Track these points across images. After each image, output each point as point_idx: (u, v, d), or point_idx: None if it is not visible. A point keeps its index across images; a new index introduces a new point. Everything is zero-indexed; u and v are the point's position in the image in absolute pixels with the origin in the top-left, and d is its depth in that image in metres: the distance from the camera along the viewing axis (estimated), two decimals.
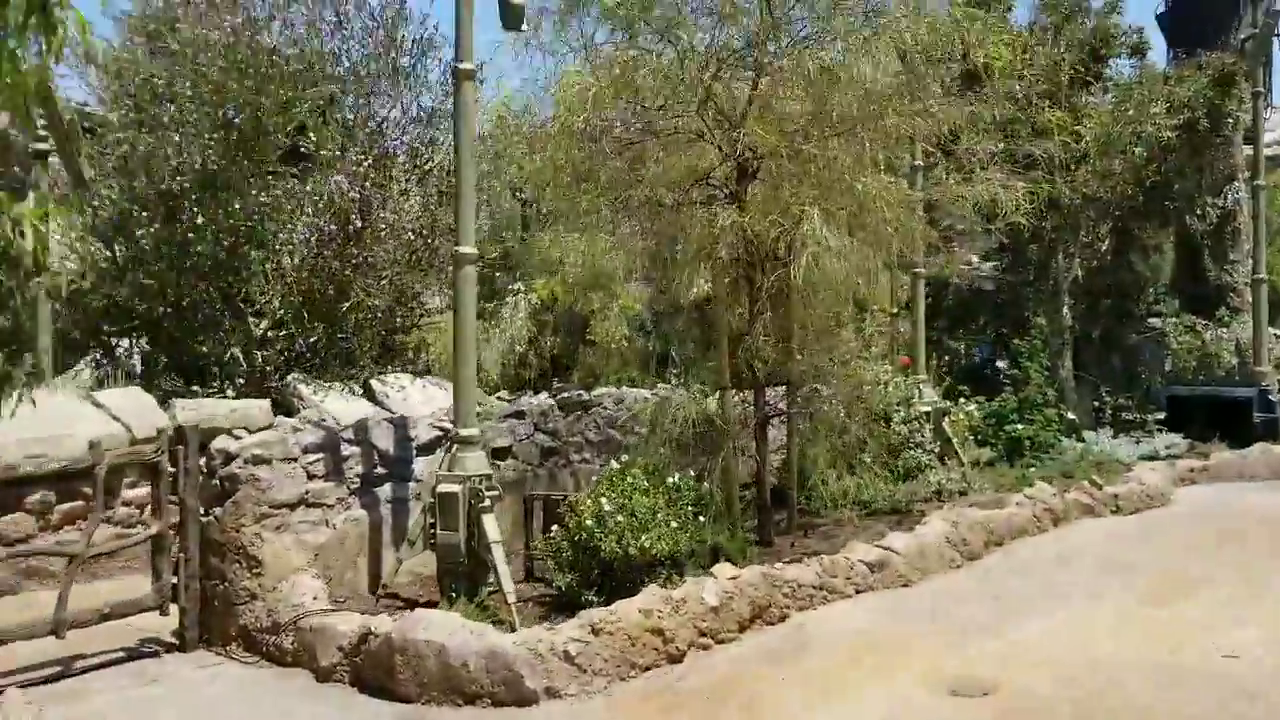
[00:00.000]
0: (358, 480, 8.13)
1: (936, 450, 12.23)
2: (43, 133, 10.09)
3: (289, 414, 11.42)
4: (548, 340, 19.16)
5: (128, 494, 9.62)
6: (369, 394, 12.72)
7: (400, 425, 8.58)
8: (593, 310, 17.32)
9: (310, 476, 7.79)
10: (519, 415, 9.68)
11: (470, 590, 7.48)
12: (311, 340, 12.39)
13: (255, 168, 11.17)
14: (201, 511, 7.52)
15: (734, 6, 8.40)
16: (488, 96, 12.46)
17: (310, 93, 11.50)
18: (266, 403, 11.02)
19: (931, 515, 9.97)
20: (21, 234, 3.14)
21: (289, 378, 11.87)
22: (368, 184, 11.36)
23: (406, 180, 12.24)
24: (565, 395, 11.72)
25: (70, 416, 9.30)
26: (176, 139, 10.68)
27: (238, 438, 7.80)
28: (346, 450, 8.07)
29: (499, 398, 16.60)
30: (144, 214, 10.81)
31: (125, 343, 12.16)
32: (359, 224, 11.42)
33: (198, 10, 10.81)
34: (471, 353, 7.53)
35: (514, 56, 8.51)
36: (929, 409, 12.31)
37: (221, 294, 11.62)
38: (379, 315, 12.35)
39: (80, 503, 9.03)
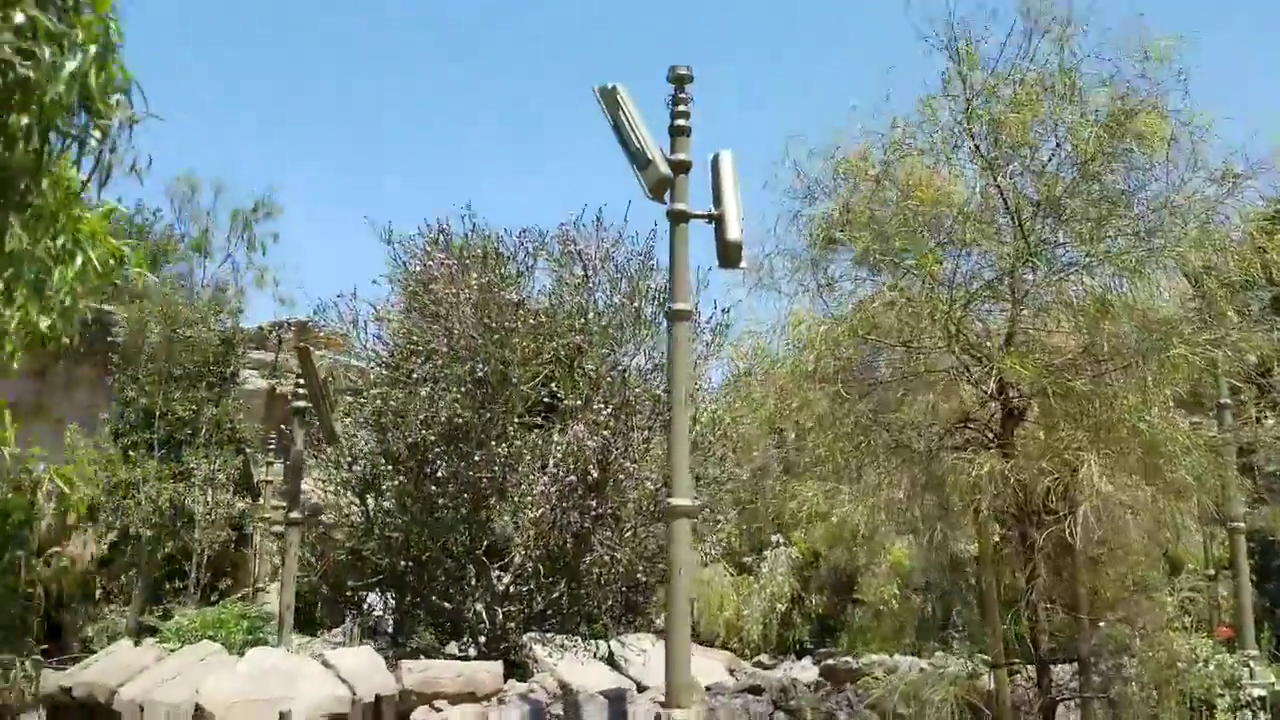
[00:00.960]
0: None
1: None
2: (301, 391, 10.51)
3: (523, 677, 10.85)
4: (812, 598, 17.90)
5: None
6: (609, 657, 11.99)
7: (616, 701, 7.75)
8: (859, 566, 16.04)
9: None
10: (755, 691, 8.60)
11: None
12: (553, 596, 11.93)
13: (499, 420, 11.15)
14: None
15: (980, 233, 7.58)
16: (733, 335, 12.17)
17: (554, 345, 11.52)
18: (497, 665, 10.48)
19: None
20: (50, 495, 2.72)
21: (525, 637, 11.36)
22: (607, 432, 11.04)
23: (649, 428, 11.86)
24: (830, 663, 10.58)
25: (296, 676, 9.08)
26: (424, 394, 10.85)
27: (438, 709, 7.20)
28: None
29: (757, 662, 15.42)
30: (392, 468, 10.92)
31: (373, 598, 12.14)
32: (596, 474, 11.05)
33: (449, 271, 11.19)
34: (683, 621, 6.68)
35: (745, 296, 8.01)
36: (1263, 693, 10.11)
37: (464, 548, 11.45)
38: (620, 570, 11.75)
39: None
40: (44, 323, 2.45)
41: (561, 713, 7.36)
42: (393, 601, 12.06)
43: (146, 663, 9.78)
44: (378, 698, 6.84)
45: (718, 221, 7.23)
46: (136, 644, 10.64)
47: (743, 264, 7.23)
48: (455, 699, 9.81)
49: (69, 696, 10.11)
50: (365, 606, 12.00)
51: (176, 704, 8.73)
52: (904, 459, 8.40)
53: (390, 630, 12.13)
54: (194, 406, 18.04)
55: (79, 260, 2.40)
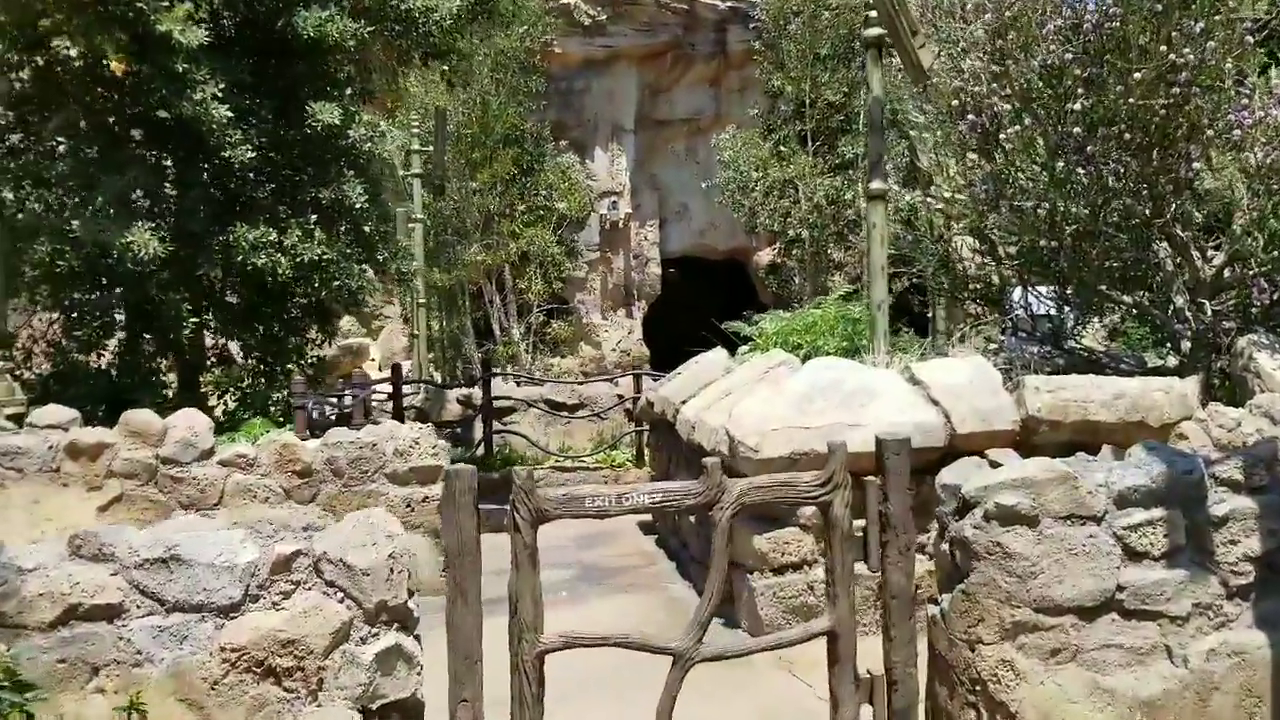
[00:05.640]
0: (1249, 567, 3.96)
1: None
2: (871, 16, 7.57)
3: (1237, 399, 7.27)
4: None
5: None
6: None
7: None
8: None
9: (1131, 555, 3.91)
10: None
11: None
12: None
13: (1177, 14, 7.13)
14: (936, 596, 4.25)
15: None
16: None
17: None
18: (1186, 383, 7.00)
19: None
20: None
21: (1241, 340, 7.55)
22: None
23: None
24: None
25: (865, 396, 6.64)
26: None
27: (995, 465, 4.29)
28: (1222, 504, 3.95)
29: None
30: (1015, 108, 7.60)
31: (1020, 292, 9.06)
32: None
33: None
34: None
35: None
36: None
37: (1142, 218, 7.83)
38: None
39: None
40: None
41: (1226, 474, 3.98)
42: (1048, 296, 8.85)
43: (716, 376, 8.08)
44: (878, 442, 4.07)
45: None
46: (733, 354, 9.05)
47: None
48: (1112, 431, 6.69)
49: (651, 409, 8.94)
50: (1008, 305, 8.97)
51: (715, 428, 6.88)
52: None
53: (1050, 334, 8.99)
54: (845, 90, 15.72)
55: None
